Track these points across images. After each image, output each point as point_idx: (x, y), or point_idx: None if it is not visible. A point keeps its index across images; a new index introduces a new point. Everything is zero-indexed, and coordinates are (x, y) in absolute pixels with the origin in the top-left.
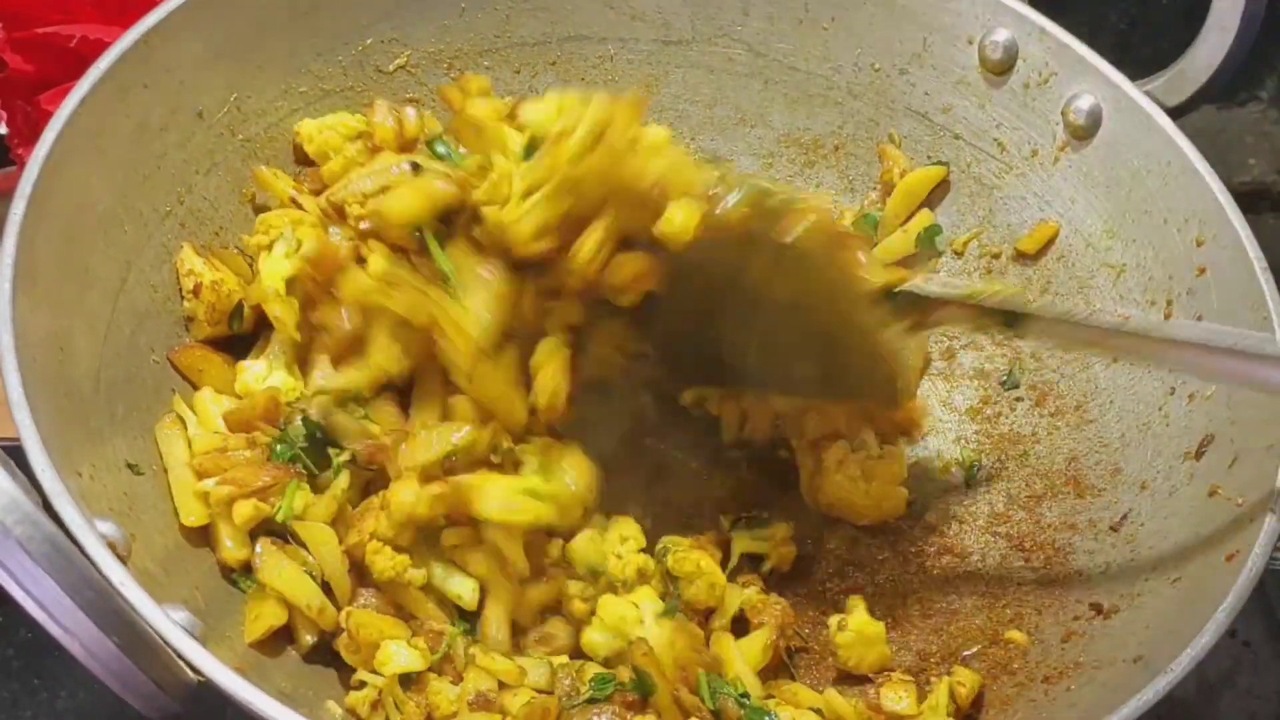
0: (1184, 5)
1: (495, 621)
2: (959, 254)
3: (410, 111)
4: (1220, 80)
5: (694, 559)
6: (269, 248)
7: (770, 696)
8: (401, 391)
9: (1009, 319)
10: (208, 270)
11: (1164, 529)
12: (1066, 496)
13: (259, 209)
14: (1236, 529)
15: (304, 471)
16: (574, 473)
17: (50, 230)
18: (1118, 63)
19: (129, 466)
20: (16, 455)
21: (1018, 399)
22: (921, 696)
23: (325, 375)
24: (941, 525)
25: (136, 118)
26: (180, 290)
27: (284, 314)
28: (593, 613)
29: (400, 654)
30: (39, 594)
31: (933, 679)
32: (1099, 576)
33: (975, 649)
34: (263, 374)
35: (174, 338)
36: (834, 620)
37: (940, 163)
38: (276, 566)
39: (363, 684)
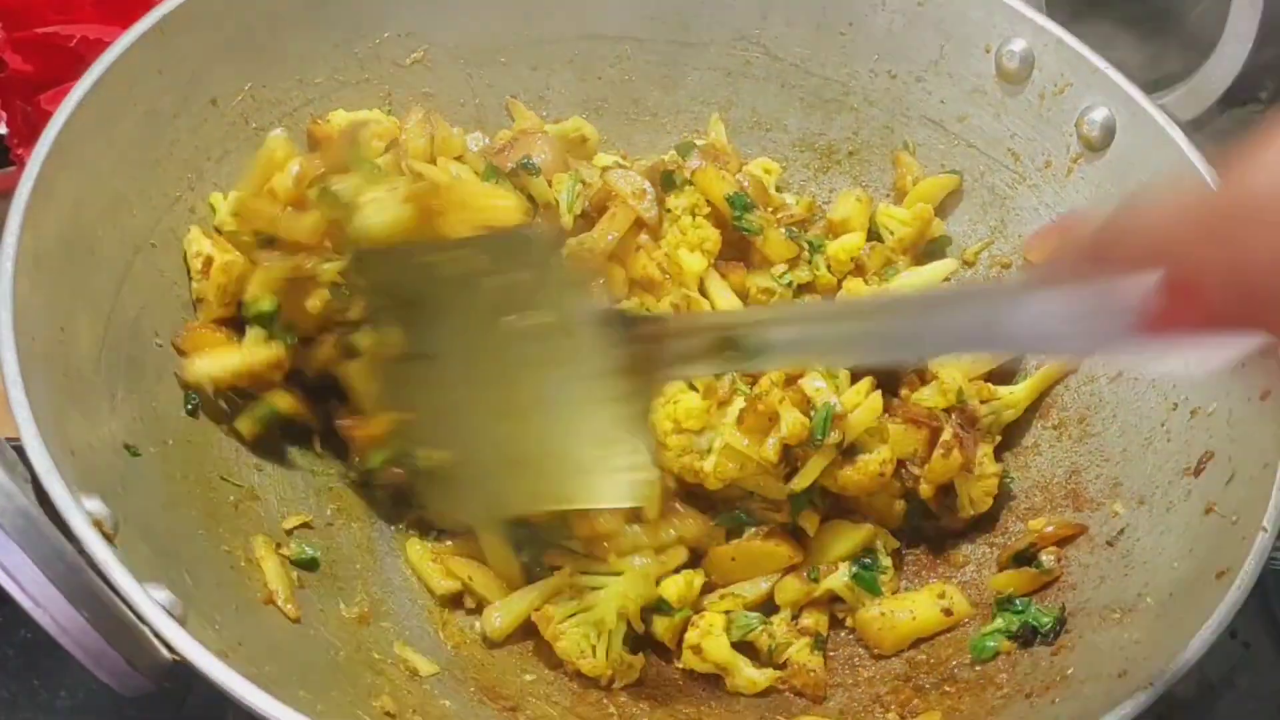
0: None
1: None
2: (970, 264)
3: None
4: (1236, 93)
5: None
6: None
7: None
8: None
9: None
10: (217, 251)
11: (1159, 545)
12: (1065, 510)
13: None
14: (1229, 546)
15: None
16: None
17: (57, 211)
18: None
19: (126, 448)
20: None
21: None
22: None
23: None
24: (937, 535)
25: (148, 103)
26: (189, 274)
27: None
28: None
29: None
30: (10, 565)
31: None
32: (1092, 591)
33: (965, 659)
34: None
35: (178, 323)
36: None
37: (954, 171)
38: None
39: None
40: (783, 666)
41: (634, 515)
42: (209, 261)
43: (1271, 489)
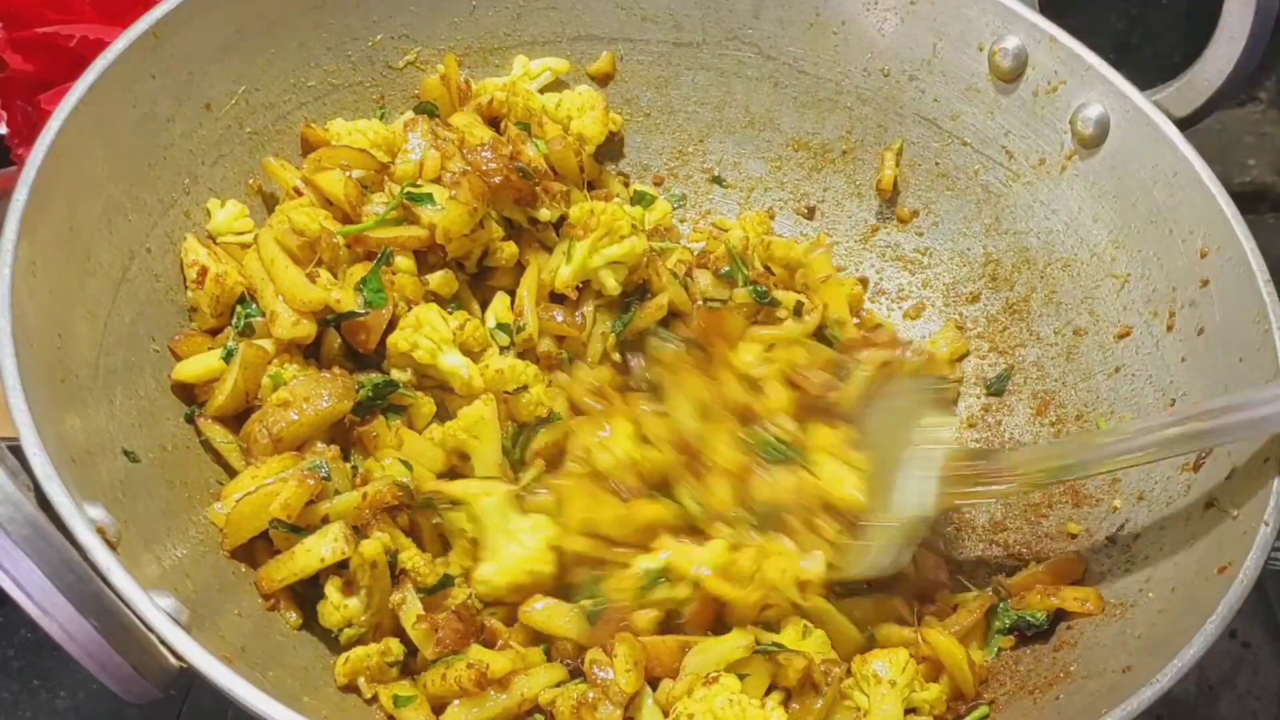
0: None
1: None
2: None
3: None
4: (1230, 90)
5: None
6: None
7: None
8: None
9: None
10: (212, 261)
11: (1160, 540)
12: (1064, 506)
13: (267, 200)
14: (1230, 541)
15: None
16: None
17: (53, 217)
18: (1120, 66)
19: (125, 454)
20: (17, 450)
21: (1018, 407)
22: None
23: None
24: (940, 532)
25: (144, 107)
26: (184, 280)
27: None
28: None
29: None
30: (18, 575)
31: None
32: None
33: None
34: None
35: (175, 327)
36: None
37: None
38: None
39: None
40: None
41: None
42: (204, 271)
43: (1273, 483)
